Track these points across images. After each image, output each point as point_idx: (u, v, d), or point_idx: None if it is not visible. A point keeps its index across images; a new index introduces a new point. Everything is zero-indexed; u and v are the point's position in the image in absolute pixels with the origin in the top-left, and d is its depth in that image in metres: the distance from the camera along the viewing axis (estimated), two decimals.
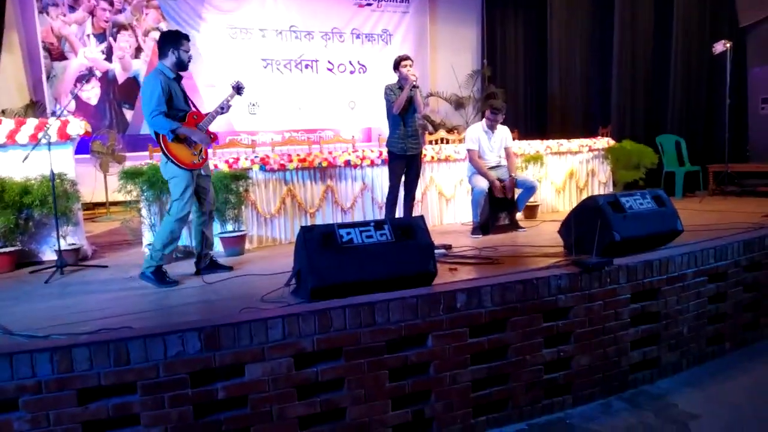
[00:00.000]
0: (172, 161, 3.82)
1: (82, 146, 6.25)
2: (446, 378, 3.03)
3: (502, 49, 10.95)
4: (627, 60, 8.34)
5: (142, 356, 2.52)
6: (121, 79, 8.72)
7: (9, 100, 7.88)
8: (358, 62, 10.28)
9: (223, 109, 4.05)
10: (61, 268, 4.29)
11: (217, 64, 9.10)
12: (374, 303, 2.88)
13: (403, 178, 5.05)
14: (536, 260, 3.94)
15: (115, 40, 8.65)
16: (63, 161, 4.74)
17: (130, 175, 4.82)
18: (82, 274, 4.39)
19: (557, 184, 6.72)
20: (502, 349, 3.18)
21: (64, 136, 4.80)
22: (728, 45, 6.81)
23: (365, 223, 3.30)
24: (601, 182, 7.04)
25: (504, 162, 5.57)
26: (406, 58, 4.95)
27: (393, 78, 5.01)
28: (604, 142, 7.11)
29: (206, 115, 4.00)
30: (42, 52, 8.15)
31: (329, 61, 10.05)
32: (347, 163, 5.55)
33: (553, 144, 6.73)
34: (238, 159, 5.15)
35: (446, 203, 6.18)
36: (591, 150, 6.94)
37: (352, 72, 10.25)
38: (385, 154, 5.40)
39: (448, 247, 4.49)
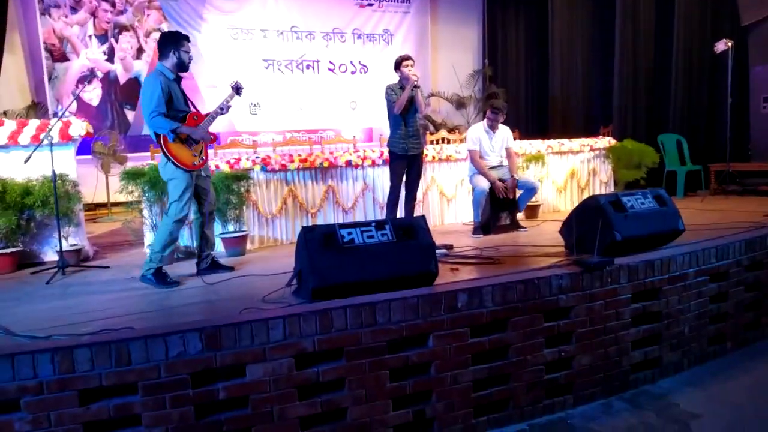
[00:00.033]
0: (172, 162, 3.82)
1: (84, 147, 6.24)
2: (447, 378, 3.03)
3: (503, 49, 10.94)
4: (628, 59, 8.31)
5: (143, 357, 2.52)
6: (122, 80, 8.73)
7: (11, 101, 7.89)
8: (360, 62, 10.27)
9: (223, 109, 4.05)
10: (62, 269, 4.30)
11: (218, 64, 9.10)
12: (375, 303, 2.88)
13: (404, 178, 5.06)
14: (537, 260, 3.94)
15: (116, 41, 8.66)
16: (65, 162, 4.75)
17: (131, 176, 4.83)
18: (83, 274, 4.40)
19: (558, 183, 6.71)
20: (503, 349, 3.18)
21: (65, 137, 4.81)
22: (730, 44, 6.80)
23: (366, 223, 3.30)
24: (602, 182, 7.03)
25: (505, 162, 5.57)
26: (408, 58, 4.95)
27: (394, 78, 5.02)
28: (605, 141, 7.09)
29: (206, 115, 4.00)
30: (44, 53, 8.16)
31: (330, 62, 10.04)
32: (348, 164, 5.55)
33: (555, 143, 6.73)
34: (239, 159, 5.15)
35: (447, 203, 6.18)
36: (592, 149, 6.93)
37: (353, 72, 10.25)
38: (386, 154, 5.40)
39: (450, 247, 4.49)
